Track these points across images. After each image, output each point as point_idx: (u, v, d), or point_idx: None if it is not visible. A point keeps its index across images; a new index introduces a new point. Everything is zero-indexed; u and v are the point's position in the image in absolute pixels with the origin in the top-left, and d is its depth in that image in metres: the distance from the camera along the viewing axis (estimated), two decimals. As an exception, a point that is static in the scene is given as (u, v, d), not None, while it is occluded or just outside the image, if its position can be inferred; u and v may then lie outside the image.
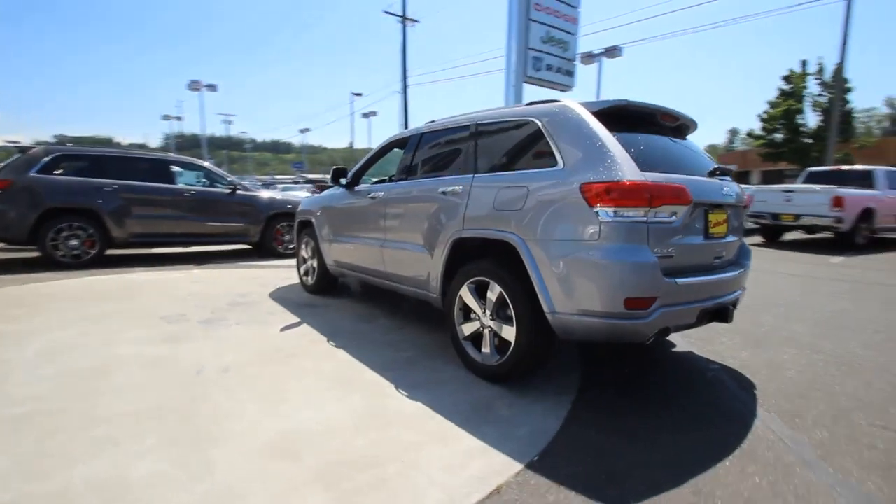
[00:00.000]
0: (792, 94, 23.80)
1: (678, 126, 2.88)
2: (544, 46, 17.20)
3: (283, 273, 6.09)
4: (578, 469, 1.90)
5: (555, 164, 2.46)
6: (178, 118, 46.42)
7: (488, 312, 2.71)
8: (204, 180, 7.41)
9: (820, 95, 22.78)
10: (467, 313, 2.91)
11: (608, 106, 2.51)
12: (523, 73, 16.76)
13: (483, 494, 1.72)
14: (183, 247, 7.49)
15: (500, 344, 2.68)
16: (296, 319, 3.92)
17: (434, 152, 3.44)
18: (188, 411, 2.28)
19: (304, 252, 5.08)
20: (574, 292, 2.28)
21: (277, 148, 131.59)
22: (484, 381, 2.70)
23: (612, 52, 18.40)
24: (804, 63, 23.24)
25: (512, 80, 16.60)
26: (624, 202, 2.17)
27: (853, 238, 8.94)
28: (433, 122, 3.65)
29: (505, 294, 2.57)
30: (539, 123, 2.62)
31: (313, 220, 4.75)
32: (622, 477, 1.86)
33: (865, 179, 9.53)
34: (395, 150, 4.17)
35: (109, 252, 6.55)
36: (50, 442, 1.98)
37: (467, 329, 2.87)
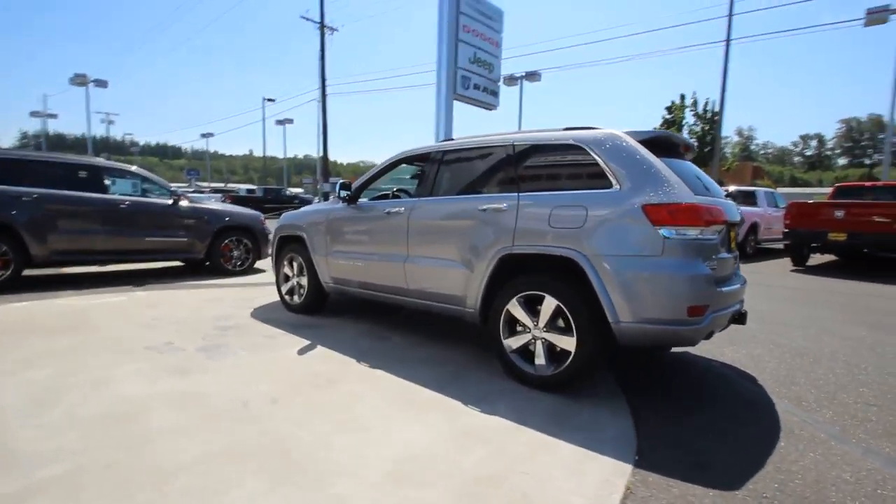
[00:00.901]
0: (673, 122, 27.43)
1: (689, 155, 3.30)
2: (472, 66, 17.95)
3: (246, 293, 5.65)
4: (677, 462, 2.11)
5: (609, 185, 2.69)
6: (53, 116, 40.01)
7: (541, 324, 2.85)
8: (142, 189, 6.60)
9: (695, 125, 26.53)
10: (512, 327, 3.02)
11: (651, 136, 2.82)
12: (453, 91, 17.36)
13: (620, 495, 1.84)
14: (114, 264, 6.57)
15: (554, 354, 2.83)
16: (304, 342, 3.69)
17: (462, 170, 3.52)
18: (270, 448, 2.09)
19: (288, 270, 4.79)
20: (639, 303, 2.51)
21: (165, 152, 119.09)
22: (536, 392, 2.82)
23: (531, 76, 19.80)
24: (682, 97, 26.93)
25: (443, 96, 17.03)
26: (684, 222, 2.47)
27: (744, 248, 10.59)
28: (451, 140, 3.72)
29: (563, 306, 2.73)
30: (588, 148, 2.84)
31: (304, 235, 4.51)
32: (712, 464, 2.11)
33: (749, 198, 11.35)
34: (402, 166, 4.19)
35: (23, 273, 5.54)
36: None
37: (515, 342, 2.98)
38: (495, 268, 3.04)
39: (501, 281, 3.06)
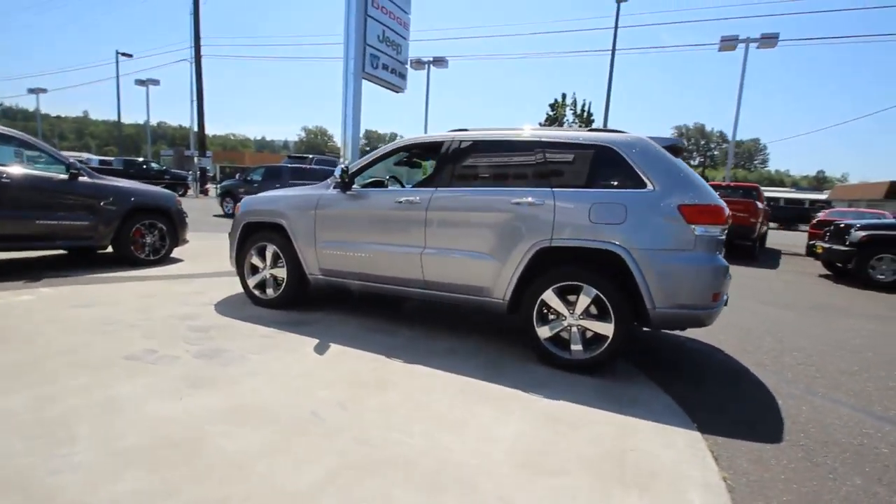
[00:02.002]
0: (556, 119, 30.00)
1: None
2: (381, 45, 17.45)
3: (186, 286, 4.94)
4: (726, 425, 2.50)
5: (643, 186, 2.99)
6: None
7: (577, 312, 3.08)
8: (27, 159, 5.23)
9: (573, 122, 29.36)
10: (544, 316, 3.20)
11: (669, 144, 3.18)
12: (362, 69, 16.72)
13: (711, 458, 2.15)
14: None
15: (587, 340, 3.09)
16: (311, 340, 3.41)
17: (486, 162, 3.53)
18: (389, 457, 1.97)
19: (258, 260, 4.30)
20: (674, 291, 2.87)
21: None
22: (573, 375, 3.05)
23: (439, 62, 19.87)
24: (564, 96, 29.52)
25: (351, 73, 16.32)
26: (712, 221, 2.87)
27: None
28: (464, 130, 3.70)
29: (602, 295, 2.98)
30: (619, 151, 3.10)
31: (283, 223, 4.09)
32: (751, 423, 2.55)
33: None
34: (397, 155, 4.02)
35: None
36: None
37: (548, 330, 3.16)
38: (531, 260, 3.17)
39: (533, 272, 3.20)
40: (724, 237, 3.04)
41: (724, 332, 4.37)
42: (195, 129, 26.06)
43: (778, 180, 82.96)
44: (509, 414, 2.45)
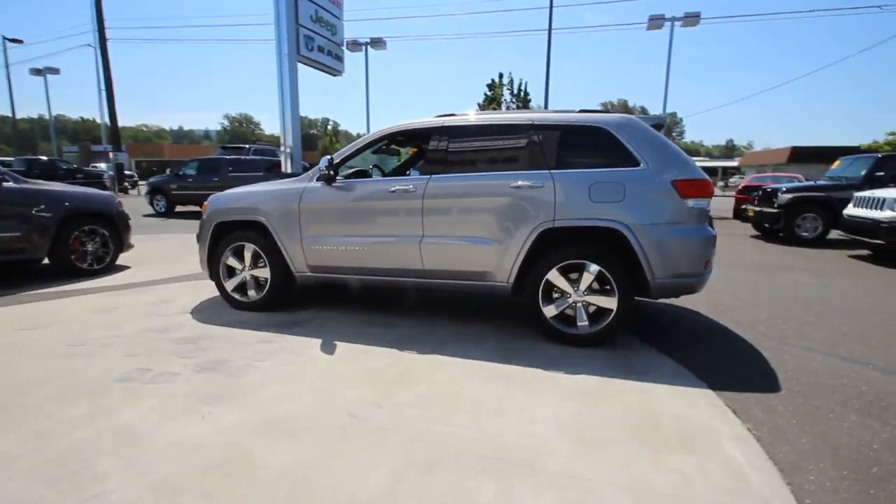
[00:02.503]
0: (493, 99, 30.29)
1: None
2: (314, 26, 16.77)
3: (146, 295, 4.55)
4: (728, 381, 2.72)
5: (637, 164, 3.11)
6: None
7: (581, 289, 3.19)
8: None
9: (511, 103, 29.79)
10: (548, 295, 3.29)
11: (657, 122, 3.32)
12: (296, 51, 15.94)
13: (731, 412, 2.34)
14: None
15: (591, 314, 3.22)
16: (313, 340, 3.28)
17: (480, 147, 3.50)
18: (460, 450, 1.95)
19: (234, 261, 4.03)
20: (672, 262, 3.05)
21: None
22: (581, 349, 3.17)
23: (377, 43, 19.22)
24: (500, 76, 29.81)
25: (285, 56, 15.65)
26: (701, 194, 3.06)
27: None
28: (452, 115, 3.65)
29: (605, 271, 3.11)
30: (612, 131, 3.20)
31: (263, 220, 3.84)
32: (748, 377, 2.79)
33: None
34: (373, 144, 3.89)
35: None
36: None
37: (554, 309, 3.25)
38: (534, 242, 3.22)
39: (535, 254, 3.26)
40: (709, 208, 3.26)
41: (701, 297, 4.71)
42: (106, 121, 23.64)
43: (694, 150, 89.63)
44: (541, 393, 2.50)
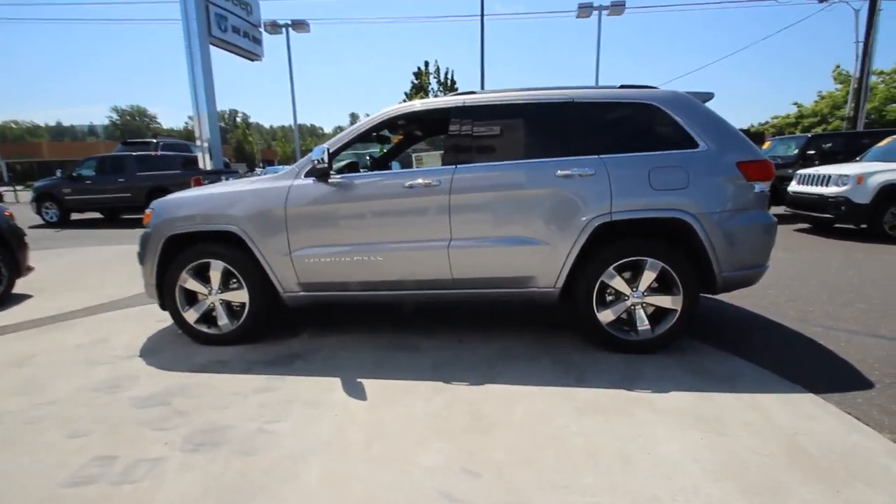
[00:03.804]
0: (421, 87, 29.62)
1: None
2: (227, 4, 15.02)
3: (65, 336, 3.51)
4: (820, 380, 2.48)
5: (695, 145, 2.76)
6: None
7: (641, 289, 2.80)
8: None
9: (439, 91, 29.31)
10: (602, 298, 2.87)
11: (706, 97, 2.99)
12: (207, 32, 14.21)
13: (854, 419, 2.07)
14: None
15: (653, 316, 2.85)
16: (332, 380, 2.58)
17: (512, 131, 2.94)
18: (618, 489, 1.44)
19: (197, 285, 3.14)
20: (739, 252, 2.75)
21: None
22: (646, 358, 2.80)
23: (299, 25, 17.62)
24: (427, 63, 29.18)
25: (195, 36, 13.93)
26: (766, 176, 2.78)
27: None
28: (471, 93, 3.06)
29: (669, 267, 2.74)
30: (663, 108, 2.81)
31: (236, 230, 3.00)
32: (833, 372, 2.58)
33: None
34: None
35: None
36: None
37: (611, 313, 2.84)
38: (588, 239, 2.77)
39: (587, 253, 2.82)
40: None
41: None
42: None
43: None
44: (650, 425, 2.07)
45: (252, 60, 16.42)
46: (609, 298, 2.89)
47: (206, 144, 14.52)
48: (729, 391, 2.36)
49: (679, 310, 2.79)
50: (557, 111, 2.91)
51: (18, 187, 22.37)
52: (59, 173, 12.03)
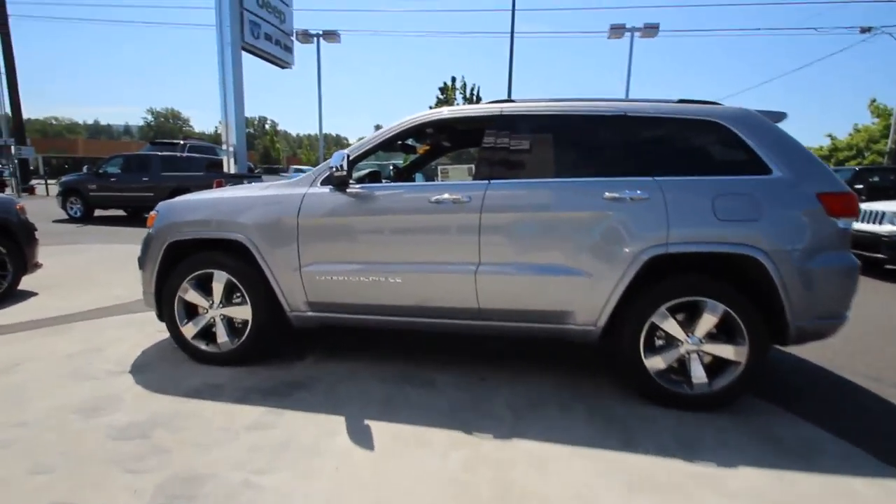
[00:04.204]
0: (446, 101, 29.66)
1: None
2: (261, 11, 15.24)
3: (59, 341, 3.27)
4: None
5: (767, 170, 2.39)
6: None
7: (698, 334, 2.41)
8: None
9: (465, 105, 29.30)
10: (652, 342, 2.49)
11: (778, 116, 2.62)
12: (240, 38, 14.38)
13: None
14: None
15: (709, 368, 2.45)
16: (335, 418, 2.25)
17: (557, 145, 2.62)
18: None
19: (197, 297, 2.87)
20: (818, 299, 2.34)
21: None
22: (708, 419, 2.39)
23: (330, 35, 17.77)
24: (453, 79, 29.25)
25: (228, 43, 14.05)
26: (851, 211, 2.38)
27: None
28: (510, 100, 2.75)
29: (734, 312, 2.35)
30: (730, 126, 2.45)
31: (243, 239, 2.72)
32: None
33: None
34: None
35: None
36: None
37: (661, 361, 2.45)
38: (638, 273, 2.40)
39: (637, 288, 2.45)
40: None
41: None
42: (7, 111, 20.34)
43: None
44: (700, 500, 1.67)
45: (283, 68, 16.57)
46: (659, 343, 2.50)
47: (231, 149, 14.60)
48: (810, 470, 1.94)
49: (743, 362, 2.39)
50: (607, 125, 2.57)
51: (51, 181, 22.96)
52: (85, 169, 12.16)
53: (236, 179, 11.19)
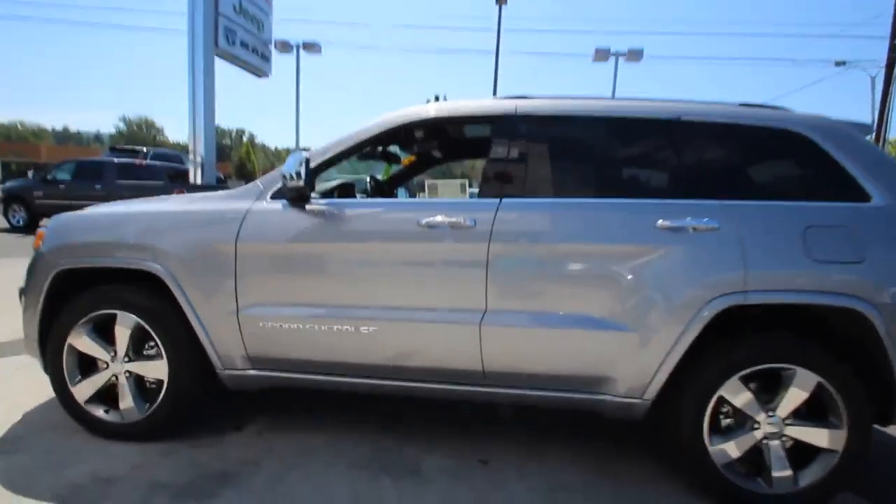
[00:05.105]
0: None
1: None
2: (237, 18, 14.56)
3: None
4: None
5: (864, 197, 1.80)
6: None
7: (782, 414, 1.78)
8: None
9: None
10: (717, 422, 1.84)
11: (867, 130, 2.07)
12: (214, 43, 13.60)
13: None
14: None
15: (794, 458, 1.81)
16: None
17: (586, 155, 2.00)
18: None
19: (93, 348, 2.09)
20: (938, 368, 1.75)
21: None
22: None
23: (310, 47, 17.16)
24: (437, 97, 29.01)
25: (200, 49, 13.29)
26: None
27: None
28: (525, 97, 2.11)
29: (830, 385, 1.73)
30: (813, 138, 1.87)
31: (161, 268, 1.97)
32: None
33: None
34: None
35: None
36: None
37: (733, 448, 1.80)
38: (704, 328, 1.76)
39: (699, 349, 1.81)
40: None
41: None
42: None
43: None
44: None
45: (259, 76, 15.84)
46: (726, 423, 1.86)
47: (199, 159, 13.67)
48: None
49: (839, 450, 1.76)
50: (657, 131, 1.96)
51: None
52: (31, 175, 11.11)
53: (201, 191, 10.30)
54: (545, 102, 2.04)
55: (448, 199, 2.26)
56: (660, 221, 1.80)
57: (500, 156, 1.98)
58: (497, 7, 18.15)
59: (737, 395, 1.79)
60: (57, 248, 2.12)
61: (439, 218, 1.87)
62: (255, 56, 15.35)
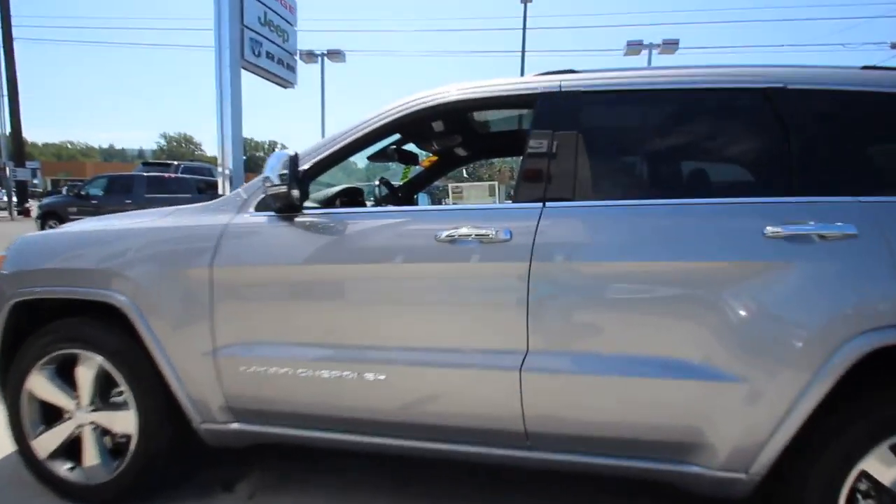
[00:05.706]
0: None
1: None
2: (262, 29, 14.53)
3: None
4: None
5: None
6: None
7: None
8: None
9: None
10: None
11: None
12: (240, 56, 13.62)
13: None
14: None
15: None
16: None
17: (654, 141, 1.53)
18: None
19: (54, 394, 1.75)
20: None
21: None
22: None
23: (334, 55, 17.13)
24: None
25: (227, 62, 13.19)
26: None
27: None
28: (571, 71, 1.65)
29: None
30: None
31: (124, 301, 1.61)
32: None
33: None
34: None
35: None
36: None
37: (879, 545, 1.27)
38: (838, 378, 1.24)
39: (833, 404, 1.29)
40: None
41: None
42: (5, 131, 19.88)
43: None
44: None
45: (284, 87, 15.88)
46: (866, 505, 1.33)
47: (227, 172, 13.77)
48: None
49: None
50: (754, 105, 1.45)
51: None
52: (65, 191, 11.41)
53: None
54: (598, 76, 1.57)
55: (475, 205, 1.80)
56: (769, 228, 1.29)
57: (541, 148, 1.51)
58: (522, 5, 17.67)
59: (887, 469, 1.26)
60: (14, 276, 1.80)
61: (464, 230, 1.42)
62: (280, 67, 15.41)
